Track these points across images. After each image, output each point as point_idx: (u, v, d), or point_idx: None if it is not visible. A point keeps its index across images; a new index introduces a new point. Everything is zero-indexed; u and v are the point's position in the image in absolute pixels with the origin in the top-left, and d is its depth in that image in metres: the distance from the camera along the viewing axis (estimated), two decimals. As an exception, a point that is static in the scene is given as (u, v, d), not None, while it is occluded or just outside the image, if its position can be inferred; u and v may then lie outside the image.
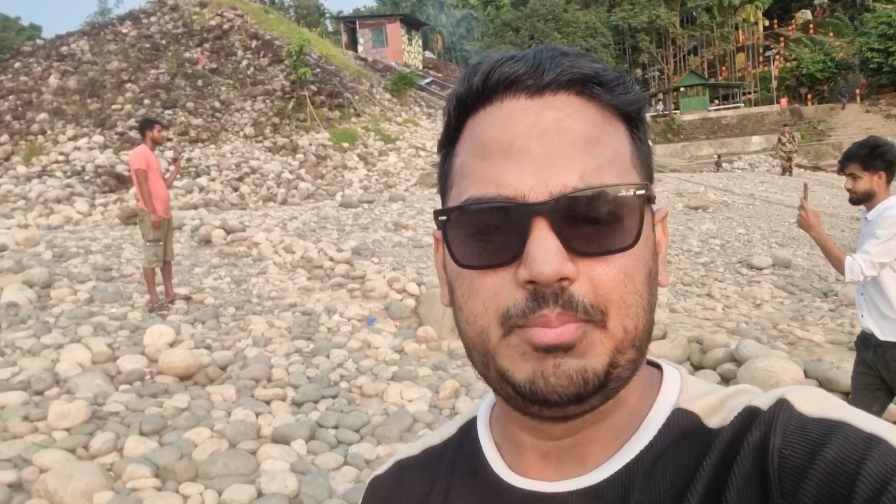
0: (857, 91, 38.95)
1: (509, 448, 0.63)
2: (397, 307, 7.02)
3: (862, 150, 3.29)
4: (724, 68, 48.54)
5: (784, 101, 40.16)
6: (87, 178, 17.95)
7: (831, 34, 45.45)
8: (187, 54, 25.82)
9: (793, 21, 50.11)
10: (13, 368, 5.32)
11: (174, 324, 6.47)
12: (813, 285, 8.88)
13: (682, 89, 42.89)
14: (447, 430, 0.73)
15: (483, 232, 0.54)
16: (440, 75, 38.46)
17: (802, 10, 50.63)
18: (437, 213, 0.59)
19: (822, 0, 50.22)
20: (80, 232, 12.20)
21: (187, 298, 7.48)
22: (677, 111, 41.57)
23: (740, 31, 47.81)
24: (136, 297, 7.63)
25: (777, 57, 44.79)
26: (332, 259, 8.90)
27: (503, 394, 0.57)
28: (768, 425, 0.51)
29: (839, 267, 3.29)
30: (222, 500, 3.62)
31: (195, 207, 15.22)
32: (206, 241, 10.73)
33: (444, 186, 0.62)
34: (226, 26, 27.83)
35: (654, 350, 5.19)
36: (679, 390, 0.60)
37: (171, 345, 5.84)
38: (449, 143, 0.61)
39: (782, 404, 0.52)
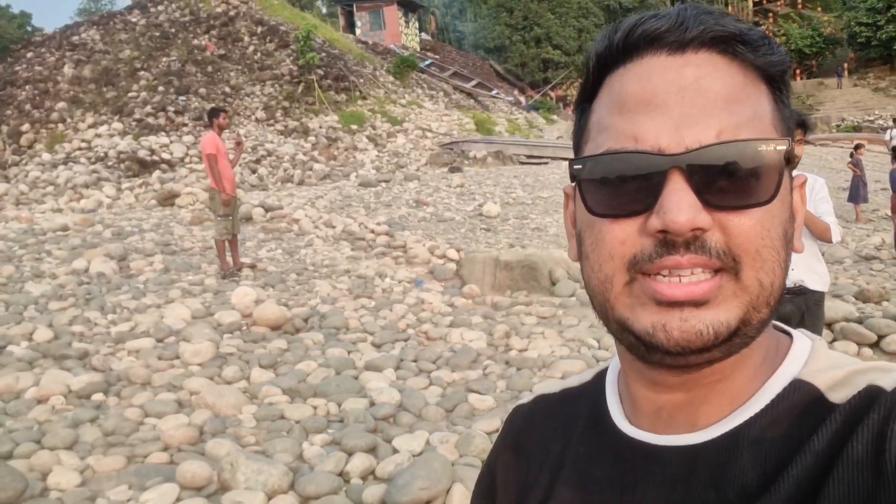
0: (846, 65, 39.89)
1: (628, 400, 0.65)
2: (441, 270, 8.01)
3: None
4: (715, 46, 49.29)
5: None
6: (110, 163, 18.78)
7: (819, 9, 46.21)
8: (196, 41, 26.55)
9: (782, -3, 50.86)
10: (129, 323, 6.31)
11: (250, 287, 7.45)
12: (803, 247, 9.91)
13: (673, 68, 43.70)
14: (586, 375, 0.76)
15: (617, 182, 0.55)
16: (437, 57, 39.18)
17: (792, -14, 51.38)
18: (571, 162, 0.60)
19: (811, -25, 50.92)
20: (124, 213, 13.11)
21: (252, 266, 8.45)
22: (670, 90, 42.40)
23: (730, 8, 48.51)
24: (205, 267, 8.60)
25: (766, 32, 45.55)
26: (372, 231, 9.87)
27: (625, 342, 0.58)
28: (889, 408, 0.49)
29: (825, 231, 3.60)
30: (343, 409, 4.61)
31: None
32: (248, 219, 11.67)
33: (578, 141, 0.63)
34: (231, 13, 28.49)
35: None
36: (805, 361, 0.59)
37: (256, 303, 6.82)
38: (586, 100, 0.62)
39: None
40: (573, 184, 0.62)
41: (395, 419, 4.49)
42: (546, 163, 19.40)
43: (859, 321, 5.47)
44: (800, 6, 47.72)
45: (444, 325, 6.42)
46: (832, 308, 5.65)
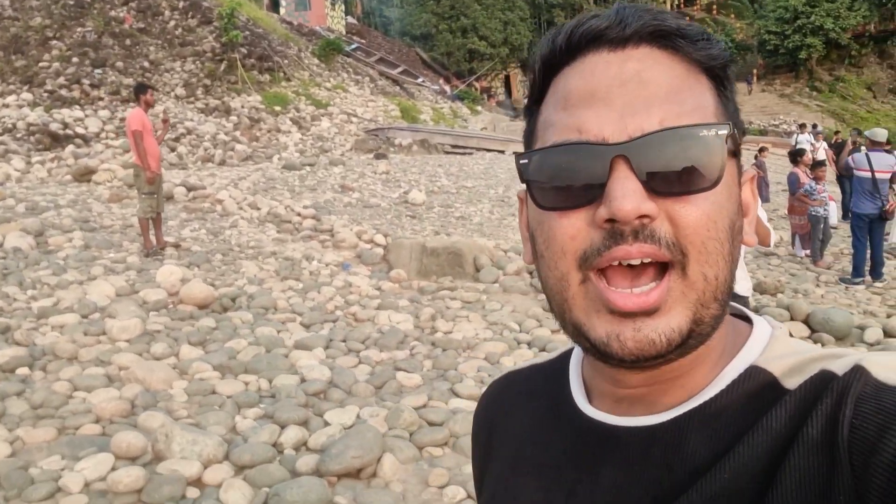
0: (755, 71, 41.84)
1: (590, 385, 0.67)
2: (368, 255, 8.17)
3: None
4: (634, 45, 50.73)
5: (688, 79, 42.65)
6: (19, 135, 17.97)
7: (732, 16, 48.30)
8: (113, 13, 25.55)
9: (698, 1, 52.78)
10: (52, 298, 6.22)
11: (176, 266, 7.42)
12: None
13: (594, 65, 44.82)
14: (553, 355, 0.77)
15: (563, 174, 0.55)
16: (363, 42, 38.94)
17: (707, -8, 53.37)
18: (518, 157, 0.60)
19: (726, -17, 53.02)
20: (37, 188, 12.64)
21: (176, 246, 8.38)
22: (590, 86, 43.44)
23: (651, 10, 49.97)
24: (127, 245, 8.47)
25: (705, 28, 47.21)
26: (299, 214, 9.91)
27: (582, 346, 0.59)
28: (840, 393, 0.50)
29: (767, 236, 3.69)
30: (274, 385, 4.74)
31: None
32: (169, 198, 11.45)
33: (527, 143, 0.64)
34: (152, -15, 27.53)
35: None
36: (763, 348, 0.59)
37: (182, 281, 6.81)
38: (534, 102, 0.63)
39: (858, 371, 0.51)
40: (524, 186, 0.62)
41: (326, 395, 4.65)
42: (471, 153, 19.72)
43: (756, 311, 5.94)
44: (714, 12, 49.69)
45: (371, 307, 6.59)
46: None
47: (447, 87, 38.70)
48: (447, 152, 19.97)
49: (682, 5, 51.12)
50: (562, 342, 5.69)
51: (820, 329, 5.65)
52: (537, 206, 0.58)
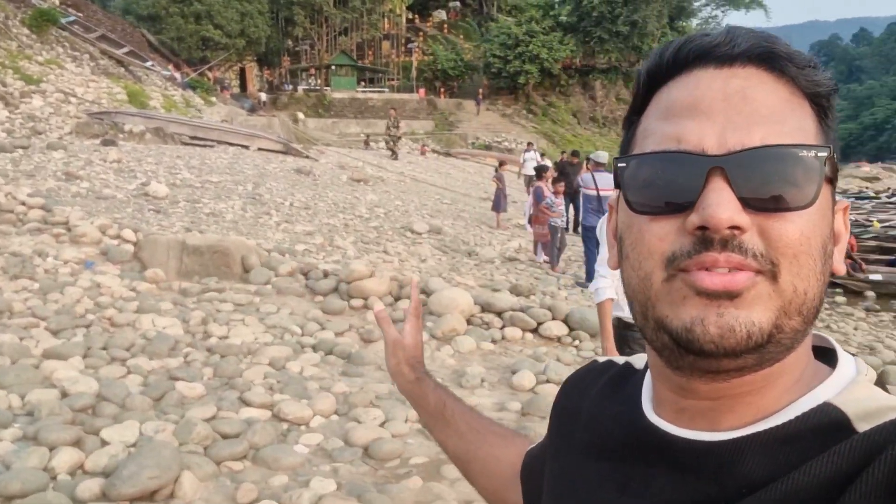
0: (480, 91, 45.08)
1: (656, 394, 0.67)
2: (116, 252, 7.35)
3: None
4: (370, 52, 51.81)
5: (422, 91, 44.70)
6: None
7: (461, 36, 51.59)
8: None
9: (430, 18, 55.58)
10: None
11: None
12: (460, 247, 11.16)
13: (332, 67, 45.10)
14: (644, 359, 0.76)
15: (659, 180, 0.57)
16: (81, 15, 35.09)
17: (439, 10, 56.33)
18: (616, 161, 0.62)
19: (456, 3, 56.43)
20: None
21: None
22: (328, 87, 43.65)
23: (387, 20, 51.55)
24: None
25: (417, 49, 49.42)
26: (23, 203, 8.62)
27: (658, 344, 0.59)
28: None
29: None
30: (29, 401, 4.07)
31: None
32: None
33: (624, 152, 0.65)
34: None
35: (367, 286, 6.57)
36: (842, 389, 0.58)
37: None
38: (634, 112, 0.65)
39: None
40: (617, 194, 0.64)
41: (96, 410, 4.11)
42: (212, 146, 18.68)
43: (522, 310, 6.41)
44: (445, 30, 52.68)
45: (130, 310, 5.95)
46: (502, 299, 6.53)
47: (177, 75, 36.27)
48: (185, 143, 18.71)
49: (417, 20, 53.48)
50: (347, 345, 5.63)
51: (577, 327, 6.27)
52: (629, 208, 0.60)
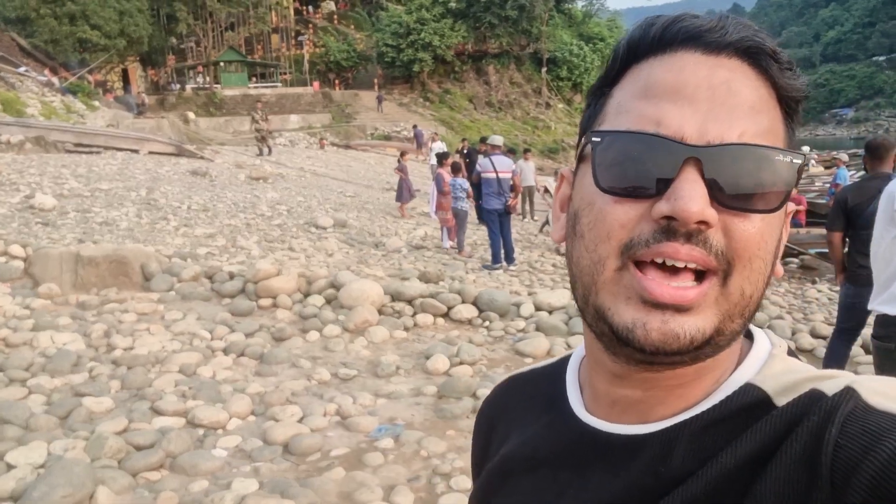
0: (375, 81, 44.88)
1: (587, 389, 0.68)
2: (4, 269, 6.99)
3: None
4: (259, 47, 50.66)
5: (316, 84, 44.12)
6: None
7: (352, 26, 51.13)
8: None
9: (319, 10, 54.76)
10: None
11: None
12: (366, 239, 11.16)
13: (221, 64, 43.84)
14: (555, 359, 0.79)
15: (632, 161, 0.55)
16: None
17: (327, 0, 55.57)
18: (591, 133, 0.59)
19: (344, -7, 55.77)
20: None
21: None
22: (218, 85, 42.42)
23: (274, 13, 50.44)
24: None
25: (308, 42, 48.65)
26: None
27: (597, 330, 0.59)
28: (828, 412, 0.51)
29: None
30: (-77, 434, 3.86)
31: None
32: None
33: (588, 125, 0.63)
34: None
35: (274, 285, 6.52)
36: (761, 367, 0.60)
37: None
38: (606, 84, 0.63)
39: (848, 392, 0.52)
40: (571, 166, 0.64)
41: (-2, 434, 3.94)
42: (99, 152, 17.89)
43: (432, 297, 6.51)
44: (336, 21, 52.07)
45: (25, 329, 5.68)
46: (412, 287, 6.62)
47: (55, 80, 34.37)
48: (70, 151, 17.84)
49: (306, 12, 52.60)
50: (259, 345, 5.59)
51: (486, 308, 6.42)
52: (597, 185, 0.57)
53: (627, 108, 0.58)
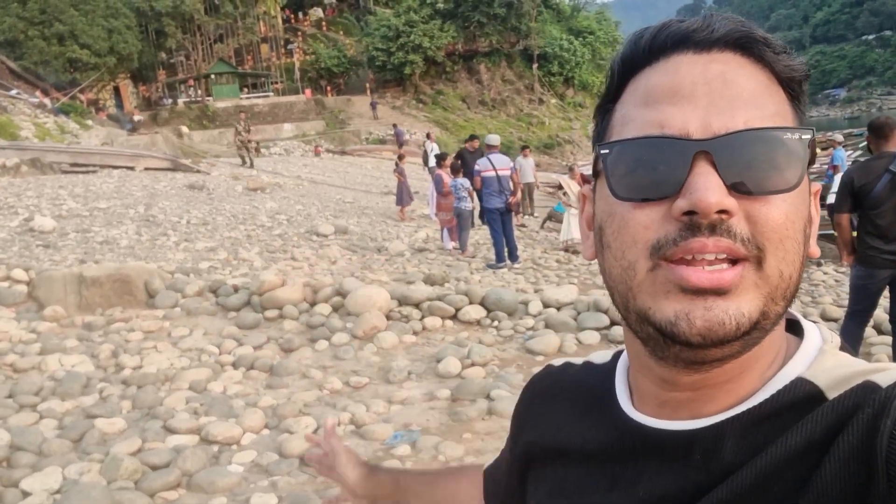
0: (367, 85, 44.84)
1: (635, 390, 0.68)
2: (7, 294, 6.96)
3: None
4: (249, 57, 50.65)
5: (308, 91, 44.08)
6: None
7: (342, 32, 51.07)
8: None
9: (307, 17, 54.72)
10: None
11: None
12: (369, 244, 11.12)
13: (212, 76, 43.82)
14: (607, 355, 0.79)
15: (643, 166, 0.56)
16: (-70, 47, 32.68)
17: (315, 8, 55.52)
18: (598, 147, 0.60)
19: (332, 0, 55.75)
20: None
21: None
22: (210, 98, 42.39)
23: (262, 23, 50.41)
24: None
25: (298, 50, 48.60)
26: None
27: (643, 334, 0.58)
28: (883, 403, 0.50)
29: None
30: (-66, 464, 3.83)
31: None
32: None
33: (601, 140, 0.63)
34: None
35: (280, 295, 6.48)
36: (811, 361, 0.60)
37: None
38: (609, 101, 0.63)
39: None
40: (590, 184, 0.65)
41: (11, 461, 3.91)
42: (95, 171, 17.86)
43: (439, 299, 6.48)
44: (324, 28, 52.04)
45: (32, 353, 5.65)
46: (418, 290, 6.58)
47: (47, 100, 34.34)
48: (66, 171, 17.81)
49: (294, 20, 52.59)
50: (267, 357, 5.55)
51: (494, 308, 6.38)
52: (613, 195, 0.58)
53: (631, 118, 0.59)
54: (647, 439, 0.63)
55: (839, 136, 17.06)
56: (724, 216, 0.53)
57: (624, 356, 0.74)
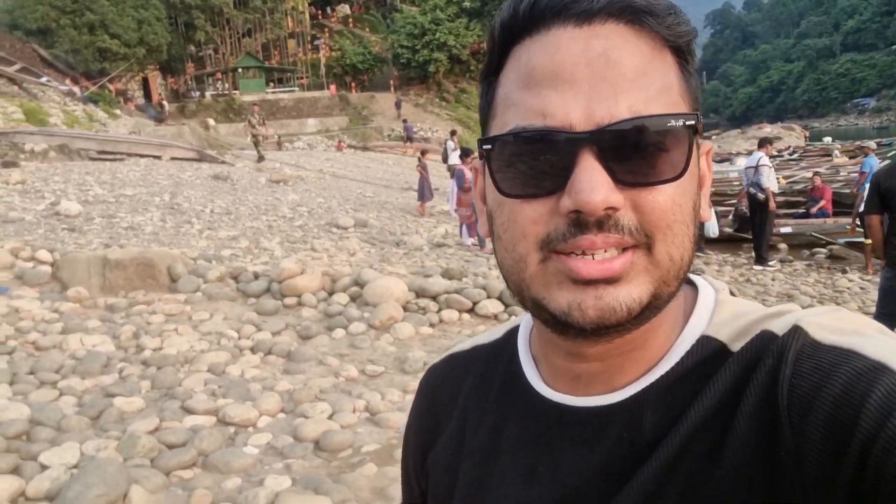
0: (392, 82, 44.96)
1: (544, 364, 0.66)
2: (32, 274, 7.05)
3: None
4: (276, 52, 50.96)
5: (333, 87, 44.29)
6: None
7: (367, 29, 51.28)
8: None
9: (334, 13, 54.99)
10: None
11: None
12: (388, 238, 11.16)
13: (239, 70, 44.16)
14: (496, 332, 0.76)
15: (527, 161, 0.54)
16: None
17: (342, 4, 55.79)
18: (480, 142, 0.59)
19: (358, -3, 56.00)
20: None
21: None
22: (236, 91, 42.73)
23: (290, 19, 50.73)
24: None
25: (324, 46, 48.88)
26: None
27: (541, 318, 0.58)
28: (780, 353, 0.52)
29: None
30: (-44, 435, 3.89)
31: None
32: None
33: (485, 116, 0.61)
34: None
35: (299, 283, 6.52)
36: (710, 315, 0.60)
37: None
38: (492, 72, 0.60)
39: (796, 331, 0.53)
40: (482, 160, 0.61)
41: (31, 435, 3.96)
42: (122, 159, 18.07)
43: (458, 292, 6.48)
44: (351, 24, 52.26)
45: (54, 332, 5.72)
46: (436, 283, 6.59)
47: (76, 89, 34.80)
48: (93, 158, 18.03)
49: (321, 16, 52.82)
50: (285, 343, 5.59)
51: (512, 303, 6.36)
52: (499, 192, 0.57)
53: (514, 101, 0.57)
54: (563, 418, 0.62)
55: (872, 144, 16.88)
56: (610, 212, 0.52)
57: (523, 331, 0.72)
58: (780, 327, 0.54)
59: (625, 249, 0.54)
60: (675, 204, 0.54)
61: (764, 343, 0.54)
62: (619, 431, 0.58)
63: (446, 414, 0.75)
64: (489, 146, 0.57)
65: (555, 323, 0.56)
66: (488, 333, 0.78)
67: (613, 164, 0.52)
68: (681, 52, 0.57)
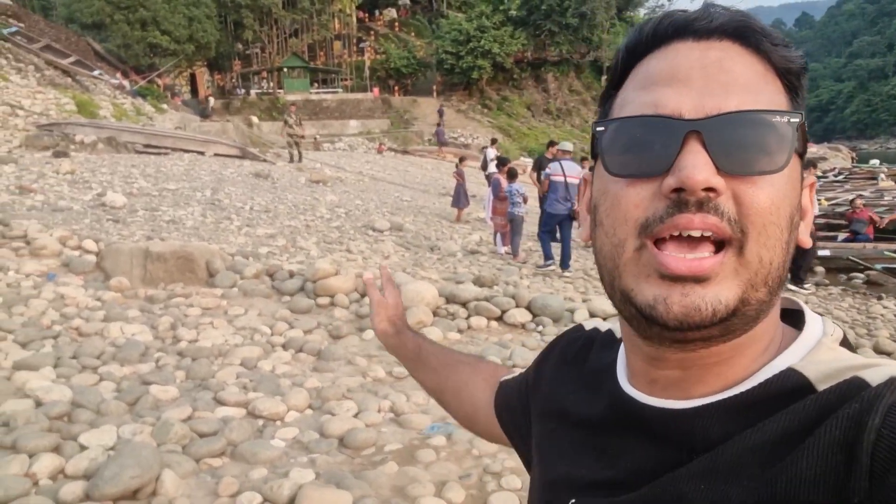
0: (434, 87, 45.15)
1: (629, 365, 0.70)
2: (78, 263, 7.33)
3: None
4: (322, 53, 51.45)
5: (376, 90, 44.62)
6: None
7: (413, 34, 51.56)
8: None
9: (381, 17, 55.41)
10: None
11: None
12: (422, 243, 11.29)
13: (284, 70, 44.77)
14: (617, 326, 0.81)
15: (636, 144, 0.58)
16: (23, 25, 34.29)
17: (389, 8, 56.17)
18: (595, 124, 0.63)
19: (406, 1, 56.34)
20: None
21: None
22: (281, 90, 43.30)
23: (337, 20, 51.24)
24: None
25: (369, 49, 49.25)
26: (-23, 218, 8.51)
27: (626, 314, 0.60)
28: (870, 402, 0.51)
29: None
30: (2, 412, 4.09)
31: None
32: None
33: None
34: None
35: (333, 284, 6.66)
36: (806, 353, 0.60)
37: None
38: (613, 87, 0.66)
39: (893, 383, 0.52)
40: (590, 168, 0.67)
41: (72, 417, 4.15)
42: (167, 153, 18.50)
43: (487, 300, 6.57)
44: (397, 28, 52.61)
45: (97, 320, 5.95)
46: (466, 290, 6.69)
47: (126, 82, 35.65)
48: (139, 152, 18.50)
49: (367, 19, 53.28)
50: (316, 341, 5.73)
51: (540, 313, 6.45)
52: (607, 171, 0.61)
53: (629, 100, 0.62)
54: (634, 414, 0.66)
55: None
56: (711, 194, 0.55)
57: None
58: (873, 377, 0.54)
59: (717, 251, 0.56)
60: (772, 204, 0.56)
61: (852, 389, 0.53)
62: (681, 436, 0.60)
63: (556, 378, 0.83)
64: (602, 128, 0.62)
65: (639, 318, 0.58)
66: (615, 323, 0.83)
67: (717, 151, 0.55)
68: (790, 84, 0.61)
